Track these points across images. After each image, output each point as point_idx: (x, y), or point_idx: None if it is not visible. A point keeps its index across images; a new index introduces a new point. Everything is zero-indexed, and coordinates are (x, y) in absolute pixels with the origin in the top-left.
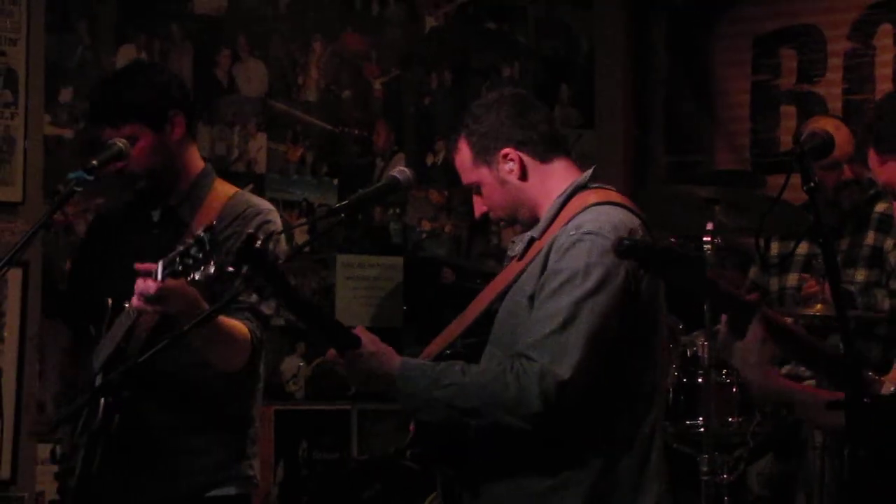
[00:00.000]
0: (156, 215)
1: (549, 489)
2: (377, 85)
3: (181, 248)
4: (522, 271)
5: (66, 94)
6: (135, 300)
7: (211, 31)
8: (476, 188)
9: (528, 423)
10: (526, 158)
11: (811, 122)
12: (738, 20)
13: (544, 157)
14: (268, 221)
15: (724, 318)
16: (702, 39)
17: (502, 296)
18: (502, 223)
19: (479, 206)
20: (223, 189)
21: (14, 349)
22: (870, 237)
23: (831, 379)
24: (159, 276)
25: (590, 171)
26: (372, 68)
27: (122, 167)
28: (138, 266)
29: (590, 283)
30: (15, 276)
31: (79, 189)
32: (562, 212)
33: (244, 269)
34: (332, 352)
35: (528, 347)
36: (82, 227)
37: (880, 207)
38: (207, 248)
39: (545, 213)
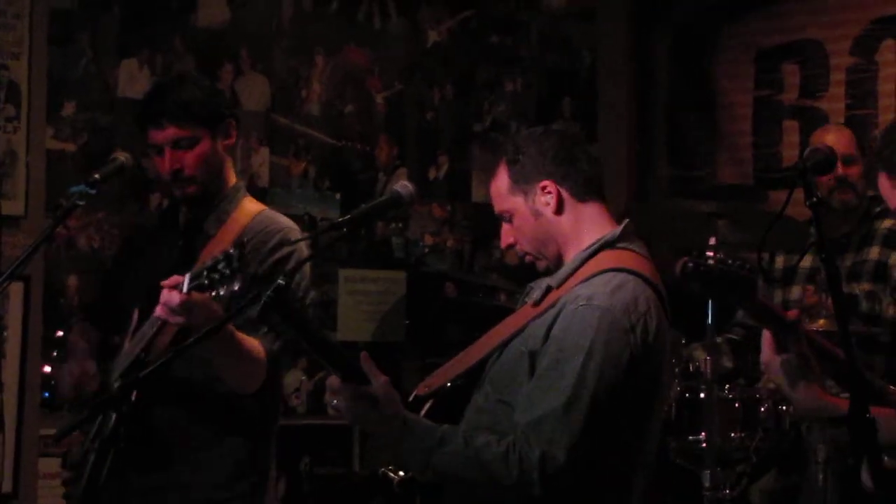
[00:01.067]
0: (182, 227)
1: None
2: (379, 99)
3: (209, 262)
4: (531, 321)
5: (68, 108)
6: (159, 310)
7: (213, 44)
8: (507, 217)
9: (526, 502)
10: (564, 194)
11: (818, 132)
12: (740, 35)
13: (582, 197)
14: (288, 240)
15: (766, 335)
16: (704, 54)
17: (511, 339)
18: (527, 258)
19: (507, 237)
20: (250, 206)
21: (16, 363)
22: (874, 252)
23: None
24: (185, 289)
25: (620, 229)
26: (374, 82)
27: (179, 170)
28: (164, 283)
29: (593, 363)
30: (17, 289)
31: (81, 203)
32: (583, 267)
33: (271, 319)
34: (333, 380)
35: (530, 427)
36: (84, 241)
37: (887, 223)
38: (235, 265)
39: (568, 263)
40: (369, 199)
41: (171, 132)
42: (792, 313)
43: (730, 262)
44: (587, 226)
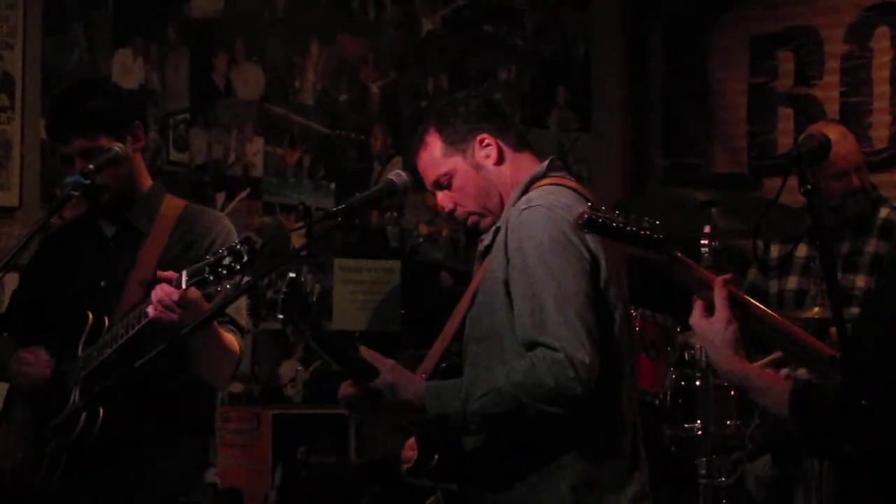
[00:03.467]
0: (109, 231)
1: (543, 476)
2: (374, 88)
3: (211, 258)
4: (489, 259)
5: None
6: (151, 309)
7: (208, 34)
8: (445, 182)
9: (570, 407)
10: (503, 145)
11: (815, 127)
12: (735, 22)
13: (518, 148)
14: (227, 229)
15: (696, 299)
16: (699, 41)
17: (476, 294)
18: (470, 219)
19: (446, 202)
20: (175, 201)
21: None
22: (872, 244)
23: (801, 361)
24: (183, 285)
25: (546, 163)
26: (369, 72)
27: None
28: (160, 273)
29: (559, 256)
30: (11, 280)
31: (75, 193)
32: (520, 199)
33: (291, 315)
34: (348, 388)
35: (538, 335)
36: None
37: (883, 213)
38: (245, 259)
39: (507, 203)
40: (364, 189)
41: (78, 145)
42: (721, 277)
43: (633, 217)
44: (525, 172)
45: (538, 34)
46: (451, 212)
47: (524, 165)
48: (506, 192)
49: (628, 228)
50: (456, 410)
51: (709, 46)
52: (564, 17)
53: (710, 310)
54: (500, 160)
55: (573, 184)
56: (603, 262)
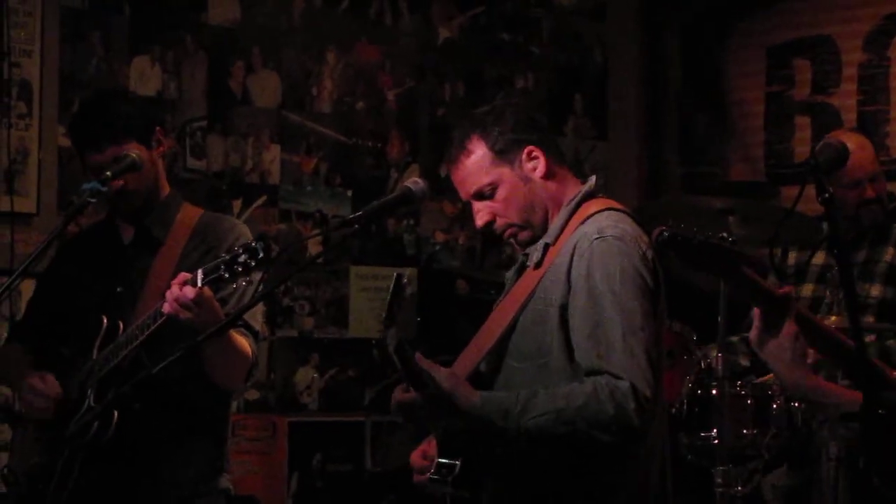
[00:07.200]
0: (127, 237)
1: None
2: (391, 96)
3: (226, 255)
4: (542, 279)
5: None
6: (167, 306)
7: (225, 42)
8: (489, 192)
9: (623, 438)
10: (549, 158)
11: (832, 135)
12: (751, 31)
13: (561, 161)
14: (244, 234)
15: (755, 312)
16: (715, 50)
17: (524, 306)
18: (508, 231)
19: (485, 214)
20: (192, 209)
21: None
22: (889, 253)
23: (858, 379)
24: (199, 283)
25: (594, 179)
26: (386, 79)
27: (122, 186)
28: (175, 280)
29: (627, 287)
30: (29, 287)
31: (92, 200)
32: (573, 217)
33: (394, 315)
34: (404, 394)
35: (604, 364)
36: None
37: None
38: (261, 255)
39: (556, 219)
40: (380, 196)
41: (110, 153)
42: (785, 289)
43: (710, 234)
44: (571, 189)
45: (555, 42)
46: (488, 223)
47: (569, 182)
48: (552, 207)
49: (711, 242)
50: (510, 425)
51: (726, 55)
52: (581, 25)
53: (771, 325)
54: (549, 174)
55: (624, 209)
56: (662, 292)
